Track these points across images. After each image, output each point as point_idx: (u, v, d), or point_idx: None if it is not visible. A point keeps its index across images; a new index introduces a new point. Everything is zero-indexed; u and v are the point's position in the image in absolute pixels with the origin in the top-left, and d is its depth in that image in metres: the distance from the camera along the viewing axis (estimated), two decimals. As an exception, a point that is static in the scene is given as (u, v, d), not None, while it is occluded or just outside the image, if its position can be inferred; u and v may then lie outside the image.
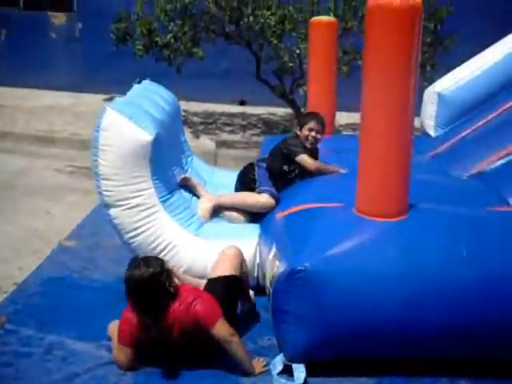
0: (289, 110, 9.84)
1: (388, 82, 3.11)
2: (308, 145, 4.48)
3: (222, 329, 3.02)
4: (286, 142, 4.49)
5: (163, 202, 3.79)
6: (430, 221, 3.36)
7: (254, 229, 4.05)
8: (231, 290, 3.39)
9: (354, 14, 8.43)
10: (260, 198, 4.21)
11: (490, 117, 5.44)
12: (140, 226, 3.74)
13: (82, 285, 4.07)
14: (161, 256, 3.75)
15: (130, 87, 4.66)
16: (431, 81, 8.37)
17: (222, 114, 10.61)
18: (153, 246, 3.78)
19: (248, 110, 10.96)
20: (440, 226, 3.32)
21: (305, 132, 4.46)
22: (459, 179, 4.60)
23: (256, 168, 4.43)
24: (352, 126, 9.79)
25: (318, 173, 4.40)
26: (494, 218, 3.62)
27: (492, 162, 4.81)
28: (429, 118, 6.05)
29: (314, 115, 4.65)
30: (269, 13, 7.86)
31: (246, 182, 4.43)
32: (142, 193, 3.68)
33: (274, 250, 3.41)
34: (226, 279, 3.37)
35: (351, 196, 3.48)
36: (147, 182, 3.68)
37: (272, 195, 4.20)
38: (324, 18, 5.97)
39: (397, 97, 3.14)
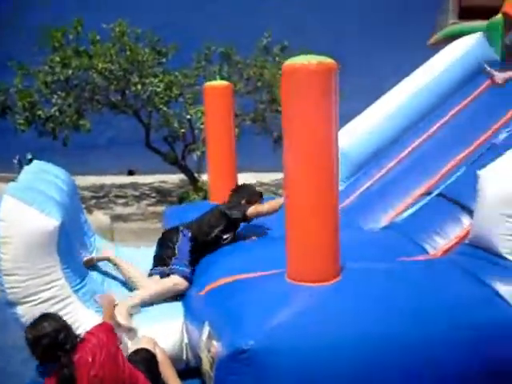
0: (181, 176, 9.69)
1: (310, 142, 3.07)
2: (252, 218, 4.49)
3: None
4: (230, 209, 4.42)
5: (76, 291, 3.46)
6: (364, 280, 3.30)
7: (177, 308, 3.77)
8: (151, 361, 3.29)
9: (240, 76, 8.58)
10: (170, 284, 3.93)
11: (388, 166, 5.60)
12: (53, 322, 3.34)
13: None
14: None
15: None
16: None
17: (113, 185, 10.25)
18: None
19: (138, 179, 10.68)
20: (375, 284, 3.28)
21: (257, 208, 4.44)
22: (374, 232, 4.60)
23: (180, 235, 4.17)
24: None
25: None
26: (421, 268, 3.65)
27: (400, 211, 4.91)
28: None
29: (260, 193, 4.71)
30: (156, 80, 7.76)
31: (164, 248, 4.15)
32: (52, 285, 3.33)
33: (207, 329, 3.17)
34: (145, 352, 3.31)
35: (276, 263, 3.38)
36: (57, 273, 3.34)
37: (184, 276, 3.96)
38: (218, 83, 5.92)
39: (319, 157, 3.09)
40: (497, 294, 3.29)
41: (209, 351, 3.03)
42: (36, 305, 3.30)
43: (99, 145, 10.44)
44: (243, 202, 4.51)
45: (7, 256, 3.23)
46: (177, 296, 3.91)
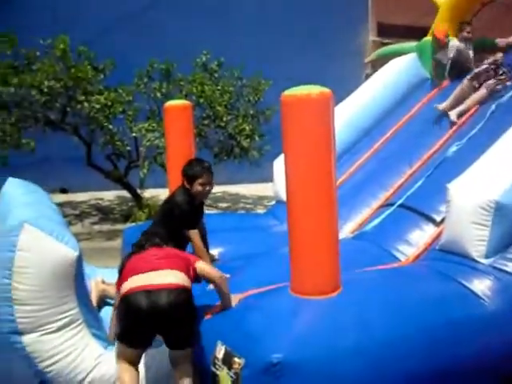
0: (117, 193, 9.61)
1: (312, 165, 3.26)
2: (202, 199, 4.26)
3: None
4: (180, 207, 4.07)
5: (86, 320, 3.40)
6: (363, 289, 3.55)
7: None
8: None
9: (179, 92, 8.65)
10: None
11: (340, 180, 5.90)
12: (61, 351, 3.29)
13: None
14: (86, 381, 3.37)
15: None
16: (259, 150, 8.88)
17: (48, 204, 9.90)
18: (76, 371, 3.34)
19: (72, 197, 10.41)
20: (373, 292, 3.54)
21: (198, 188, 4.12)
22: (349, 242, 4.82)
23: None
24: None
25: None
26: (405, 274, 3.97)
27: (361, 222, 5.22)
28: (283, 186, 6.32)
29: (202, 166, 4.19)
30: (102, 97, 7.67)
31: None
32: (67, 314, 3.27)
33: (222, 347, 3.27)
34: None
35: (269, 276, 3.63)
36: (72, 302, 3.29)
37: None
38: (178, 102, 6.00)
39: (320, 177, 3.30)
40: (472, 292, 3.65)
41: (230, 368, 3.14)
42: (47, 333, 3.24)
43: (29, 163, 10.05)
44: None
45: (23, 286, 3.15)
46: None
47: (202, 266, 3.44)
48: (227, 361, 3.18)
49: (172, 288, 3.12)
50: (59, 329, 3.27)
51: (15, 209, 3.48)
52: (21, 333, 3.23)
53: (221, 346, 3.28)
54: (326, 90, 3.28)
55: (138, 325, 3.12)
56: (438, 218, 4.55)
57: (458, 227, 3.98)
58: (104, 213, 9.38)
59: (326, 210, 3.34)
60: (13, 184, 4.16)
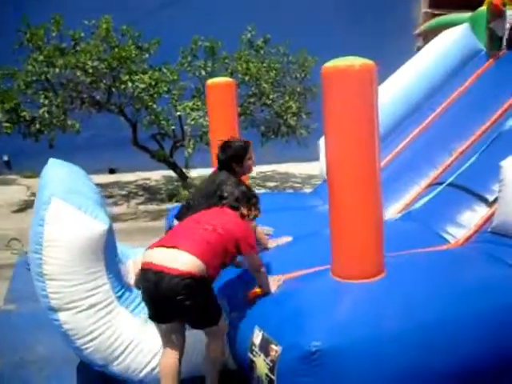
0: (163, 173, 9.60)
1: (354, 141, 3.08)
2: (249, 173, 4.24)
3: None
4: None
5: (118, 297, 3.36)
6: (408, 274, 3.37)
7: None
8: None
9: (224, 70, 8.53)
10: None
11: (389, 157, 5.69)
12: (96, 329, 3.26)
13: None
14: (123, 356, 3.35)
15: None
16: (307, 128, 8.70)
17: (97, 185, 10.01)
18: (113, 347, 3.31)
19: (120, 178, 10.49)
20: (419, 276, 3.35)
21: (248, 162, 4.00)
22: (392, 222, 4.65)
23: None
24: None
25: None
26: (454, 257, 3.79)
27: (409, 201, 5.01)
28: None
29: (244, 141, 4.07)
30: (146, 76, 7.63)
31: None
32: (97, 290, 3.23)
33: (259, 333, 3.15)
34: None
35: (308, 259, 3.51)
36: (102, 278, 3.24)
37: None
38: (221, 80, 5.86)
39: (363, 154, 3.12)
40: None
41: (267, 355, 3.02)
42: (80, 311, 3.21)
43: (76, 144, 10.16)
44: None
45: (53, 260, 3.12)
46: None
47: (250, 260, 3.28)
48: (264, 347, 3.05)
49: (176, 274, 2.93)
50: (91, 306, 3.23)
51: (48, 185, 3.45)
52: (55, 310, 3.21)
53: (258, 331, 3.16)
54: (368, 61, 3.08)
55: (146, 301, 3.12)
56: (491, 198, 4.29)
57: (511, 208, 3.75)
58: (151, 193, 9.40)
59: (369, 188, 3.16)
60: (53, 164, 4.16)
